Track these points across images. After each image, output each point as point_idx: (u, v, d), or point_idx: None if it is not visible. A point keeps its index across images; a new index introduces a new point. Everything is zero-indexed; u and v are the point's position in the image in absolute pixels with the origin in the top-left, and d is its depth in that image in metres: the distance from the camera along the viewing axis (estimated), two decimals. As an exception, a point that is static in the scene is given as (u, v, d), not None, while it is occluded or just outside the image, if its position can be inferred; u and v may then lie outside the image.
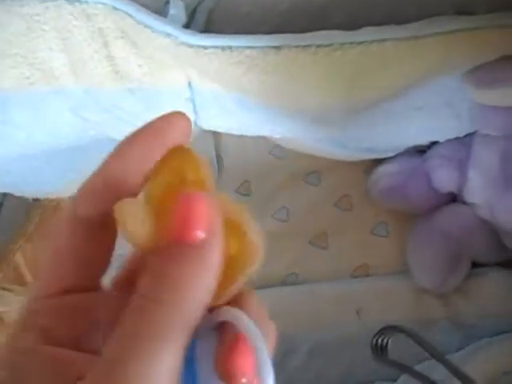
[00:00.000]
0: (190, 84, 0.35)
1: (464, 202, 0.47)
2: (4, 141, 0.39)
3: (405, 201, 0.50)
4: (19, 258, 0.49)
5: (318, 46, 0.31)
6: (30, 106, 0.36)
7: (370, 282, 0.51)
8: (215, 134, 0.55)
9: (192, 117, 0.41)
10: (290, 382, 0.50)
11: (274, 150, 0.56)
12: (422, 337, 0.30)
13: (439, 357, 0.30)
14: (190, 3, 0.36)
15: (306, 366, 0.50)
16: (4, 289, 0.46)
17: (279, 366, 0.53)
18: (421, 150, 0.51)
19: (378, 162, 0.53)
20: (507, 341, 0.43)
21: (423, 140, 0.49)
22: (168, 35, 0.30)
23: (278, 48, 0.30)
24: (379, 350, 0.31)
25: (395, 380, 0.46)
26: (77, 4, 0.31)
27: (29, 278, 0.49)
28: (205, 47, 0.30)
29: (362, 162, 0.54)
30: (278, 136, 0.46)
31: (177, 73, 0.34)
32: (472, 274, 0.49)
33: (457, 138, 0.47)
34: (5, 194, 0.53)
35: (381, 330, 0.31)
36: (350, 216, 0.54)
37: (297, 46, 0.31)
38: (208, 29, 0.37)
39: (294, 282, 0.53)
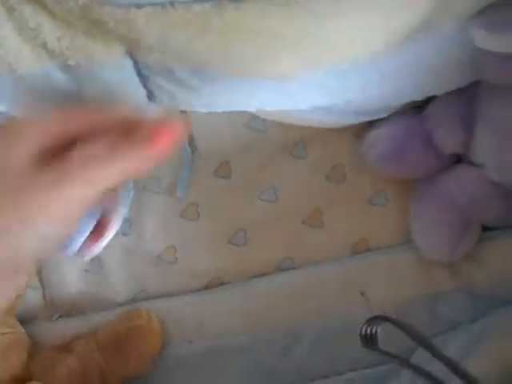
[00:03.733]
0: (131, 56, 0.28)
1: (471, 163, 0.41)
2: None
3: (404, 166, 0.45)
4: None
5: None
6: None
7: (372, 257, 0.47)
8: (183, 111, 0.48)
9: (144, 94, 0.34)
10: (297, 370, 0.46)
11: (252, 122, 0.50)
12: (411, 326, 0.29)
13: (429, 346, 0.28)
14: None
15: (312, 354, 0.46)
16: None
17: (285, 354, 0.47)
18: (416, 107, 0.45)
19: (370, 124, 0.47)
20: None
21: (419, 96, 0.42)
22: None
23: (238, 2, 0.23)
24: (369, 340, 0.30)
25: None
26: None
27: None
28: (138, 6, 0.22)
29: (352, 125, 0.47)
30: (252, 110, 0.39)
31: (108, 44, 0.26)
32: (482, 238, 0.44)
33: (457, 93, 0.40)
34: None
35: (368, 319, 0.30)
36: (344, 188, 0.48)
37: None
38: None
39: (290, 267, 0.48)
